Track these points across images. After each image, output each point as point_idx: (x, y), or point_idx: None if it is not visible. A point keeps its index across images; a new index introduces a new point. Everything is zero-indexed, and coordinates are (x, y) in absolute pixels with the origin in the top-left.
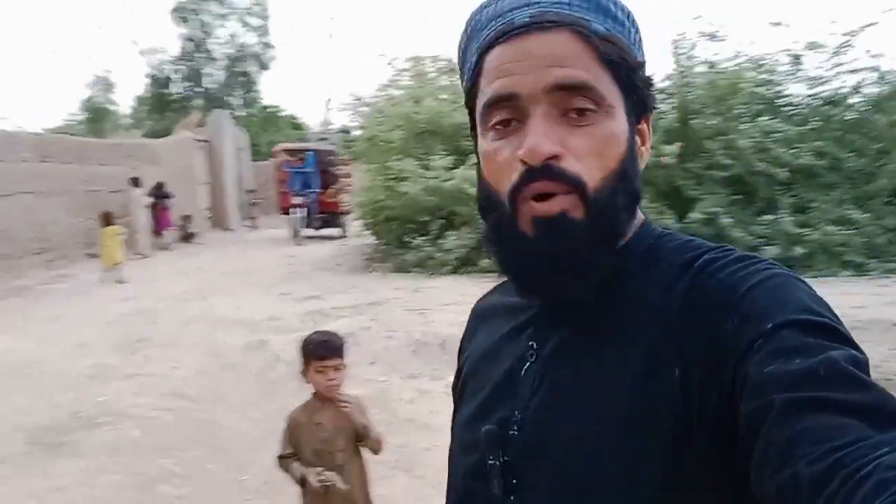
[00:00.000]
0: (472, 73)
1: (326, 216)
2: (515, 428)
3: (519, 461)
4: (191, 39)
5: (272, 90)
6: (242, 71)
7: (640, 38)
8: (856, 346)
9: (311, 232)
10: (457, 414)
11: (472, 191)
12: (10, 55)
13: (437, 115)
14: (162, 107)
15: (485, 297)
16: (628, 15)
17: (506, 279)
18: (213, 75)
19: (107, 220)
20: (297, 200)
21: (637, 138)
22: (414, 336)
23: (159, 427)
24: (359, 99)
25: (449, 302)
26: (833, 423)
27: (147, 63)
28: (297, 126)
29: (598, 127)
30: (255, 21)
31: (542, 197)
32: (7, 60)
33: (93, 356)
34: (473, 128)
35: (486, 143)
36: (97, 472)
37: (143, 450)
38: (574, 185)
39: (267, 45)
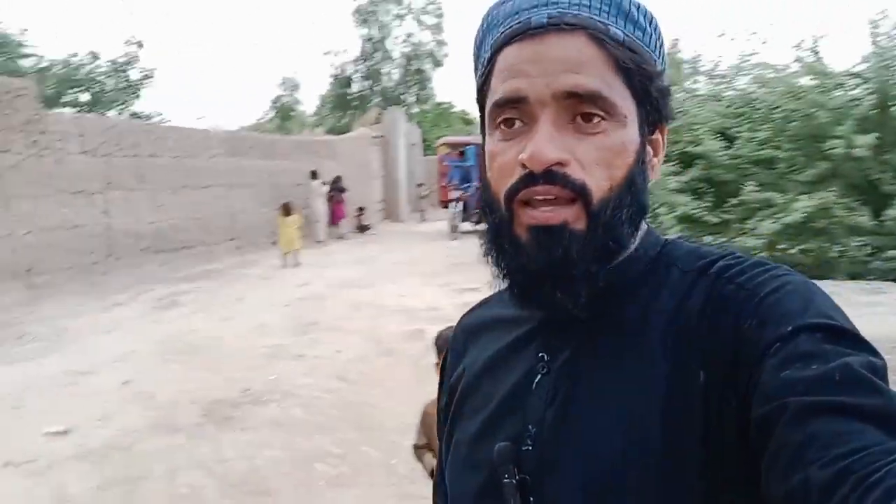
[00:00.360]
0: (484, 70)
1: None
2: (529, 443)
3: (536, 478)
4: (370, 40)
5: (445, 87)
6: (417, 69)
7: (661, 45)
8: (874, 352)
9: (468, 227)
10: (452, 434)
11: None
12: (207, 59)
13: None
14: (343, 105)
15: (471, 311)
16: (651, 20)
17: (495, 293)
18: (391, 74)
19: (286, 210)
20: (454, 194)
21: (649, 148)
22: None
23: (320, 407)
24: None
25: None
26: (846, 428)
27: (330, 64)
28: (467, 121)
29: (608, 136)
30: (429, 20)
31: (542, 203)
32: (204, 63)
33: (268, 337)
34: (482, 126)
35: (491, 143)
36: (259, 447)
37: (303, 428)
38: (578, 192)
39: (441, 43)
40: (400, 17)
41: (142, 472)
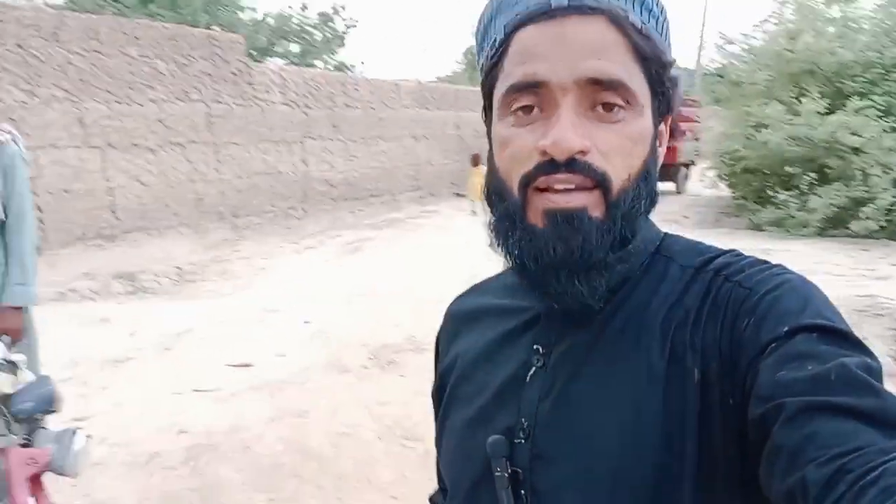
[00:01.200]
0: (496, 50)
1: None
2: (522, 437)
3: (528, 471)
4: None
5: None
6: None
7: (669, 35)
8: (869, 353)
9: None
10: (445, 420)
11: (850, 140)
12: (408, 9)
13: (816, 52)
14: None
15: (462, 297)
16: (662, 9)
17: (483, 280)
18: None
19: (475, 160)
20: None
21: (658, 138)
22: None
23: None
24: (724, 37)
25: (803, 268)
26: (842, 428)
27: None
28: None
29: (628, 125)
30: None
31: (560, 189)
32: (406, 14)
33: (438, 285)
34: (486, 108)
35: (503, 127)
36: (414, 392)
37: None
38: (599, 181)
39: None
40: None
41: (309, 408)
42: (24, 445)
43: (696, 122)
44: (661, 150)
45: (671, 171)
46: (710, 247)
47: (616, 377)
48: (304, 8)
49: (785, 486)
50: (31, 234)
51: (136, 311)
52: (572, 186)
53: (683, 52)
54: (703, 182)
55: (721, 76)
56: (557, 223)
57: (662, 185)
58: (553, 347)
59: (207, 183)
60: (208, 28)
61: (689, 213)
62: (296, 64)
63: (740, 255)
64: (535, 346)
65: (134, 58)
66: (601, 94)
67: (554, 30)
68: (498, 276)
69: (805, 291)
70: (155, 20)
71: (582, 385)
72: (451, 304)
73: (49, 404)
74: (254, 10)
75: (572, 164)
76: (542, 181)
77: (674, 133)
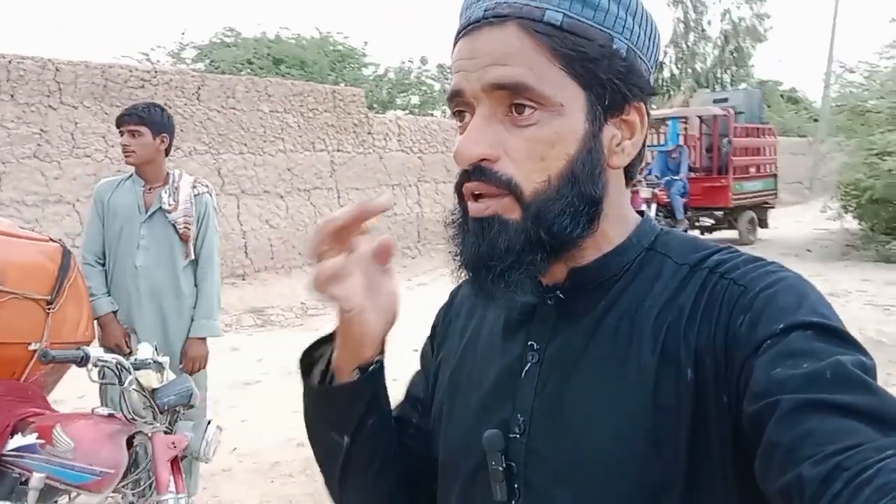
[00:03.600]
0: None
1: (711, 211)
2: (517, 432)
3: (523, 466)
4: (683, 21)
5: (767, 64)
6: (735, 47)
7: (628, 20)
8: (864, 351)
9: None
10: (442, 407)
11: None
12: None
13: None
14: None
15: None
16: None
17: None
18: (705, 54)
19: None
20: (644, 194)
21: (617, 131)
22: (867, 334)
23: None
24: (843, 66)
25: None
26: (838, 425)
27: None
28: (793, 100)
29: (542, 127)
30: None
31: (479, 196)
32: None
33: None
34: None
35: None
36: None
37: None
38: (505, 188)
39: (762, 17)
40: None
41: None
42: (166, 433)
43: (768, 156)
44: (633, 142)
45: (739, 213)
46: (705, 243)
47: (609, 375)
48: (424, 62)
49: (780, 483)
50: (218, 275)
51: (263, 341)
52: (484, 192)
53: (811, 85)
54: (827, 214)
55: (841, 105)
56: (476, 229)
57: (725, 234)
58: (548, 343)
59: None
60: (335, 84)
61: (812, 247)
62: (415, 114)
63: (735, 251)
64: (529, 342)
65: (266, 113)
66: (511, 98)
67: (470, 42)
68: None
69: (800, 289)
70: (285, 79)
71: (576, 383)
72: (457, 287)
73: (187, 399)
74: (377, 65)
75: (479, 172)
76: (465, 188)
77: (720, 171)
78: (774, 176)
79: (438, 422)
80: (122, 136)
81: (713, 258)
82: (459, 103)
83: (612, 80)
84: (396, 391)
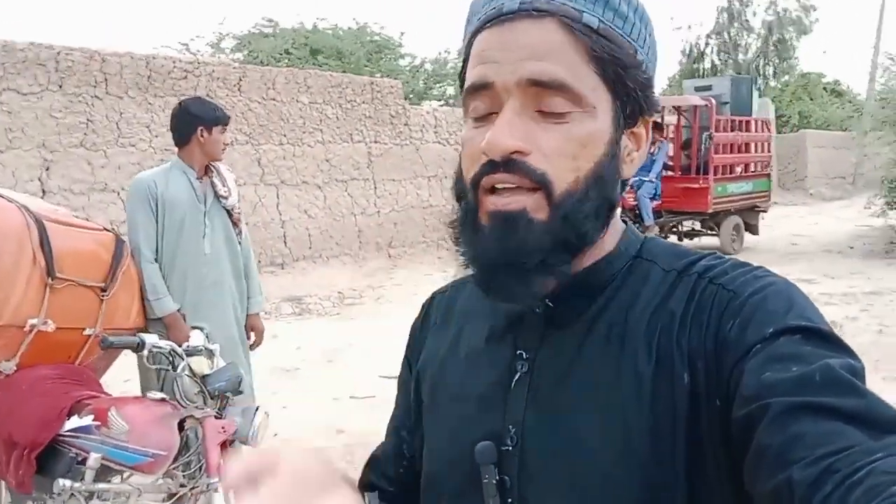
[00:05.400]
0: (464, 57)
1: (689, 216)
2: (509, 444)
3: (516, 478)
4: (727, 11)
5: (812, 56)
6: (779, 38)
7: (647, 35)
8: (852, 354)
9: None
10: (425, 419)
11: None
12: None
13: None
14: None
15: (444, 291)
16: (636, 9)
17: (464, 276)
18: (748, 45)
19: None
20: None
21: (629, 142)
22: None
23: None
24: (891, 57)
25: None
26: (828, 428)
27: (681, 39)
28: (837, 93)
29: (574, 126)
30: None
31: (504, 190)
32: None
33: None
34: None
35: (466, 129)
36: None
37: None
38: (539, 182)
39: (808, 8)
40: None
41: None
42: (216, 417)
43: (760, 153)
44: (638, 155)
45: (718, 219)
46: (689, 250)
47: (603, 383)
48: (461, 53)
49: (770, 486)
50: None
51: (302, 329)
52: (512, 186)
53: (856, 78)
54: (870, 210)
55: (886, 98)
56: (497, 224)
57: (707, 241)
58: (537, 352)
59: (367, 216)
60: (371, 76)
61: (857, 244)
62: (450, 105)
63: (721, 257)
64: (518, 351)
65: (305, 104)
66: (544, 95)
67: (503, 33)
68: None
69: (788, 294)
70: (323, 70)
71: (568, 391)
72: (431, 297)
73: (237, 385)
74: (413, 56)
75: (510, 165)
76: (485, 181)
77: (700, 170)
78: (768, 176)
79: (422, 437)
80: (222, 133)
81: (701, 263)
82: (483, 96)
83: (635, 91)
84: None
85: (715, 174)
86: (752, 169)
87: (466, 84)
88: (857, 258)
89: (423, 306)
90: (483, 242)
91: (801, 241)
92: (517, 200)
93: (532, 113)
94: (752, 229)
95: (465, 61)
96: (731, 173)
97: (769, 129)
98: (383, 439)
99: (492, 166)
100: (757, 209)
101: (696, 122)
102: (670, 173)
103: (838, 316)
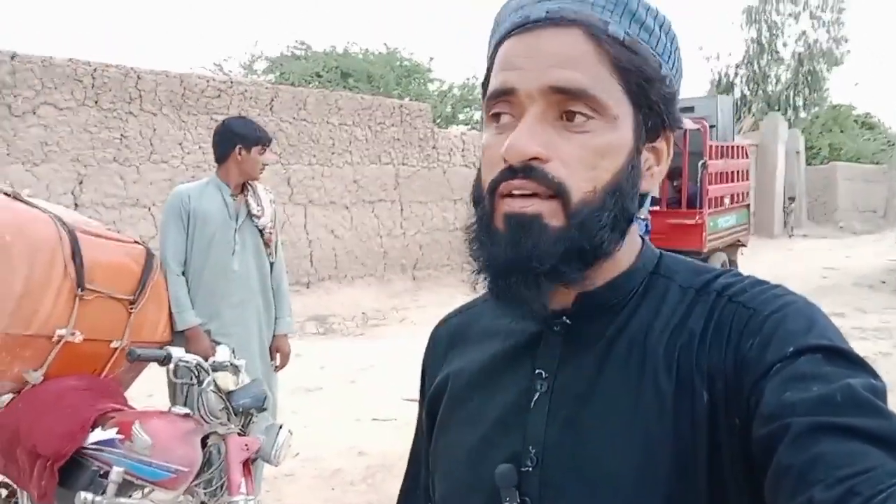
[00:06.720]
0: (489, 65)
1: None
2: (529, 465)
3: (538, 500)
4: (757, 41)
5: (842, 88)
6: (809, 69)
7: (672, 50)
8: (874, 374)
9: None
10: (439, 445)
11: None
12: None
13: None
14: None
15: (451, 317)
16: (662, 24)
17: (471, 300)
18: (778, 76)
19: None
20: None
21: (649, 155)
22: None
23: None
24: None
25: None
26: (849, 449)
27: (710, 69)
28: (869, 125)
29: (595, 136)
30: (827, 16)
31: (519, 196)
32: None
33: None
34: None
35: (486, 135)
36: None
37: None
38: (556, 191)
39: (839, 40)
40: (794, 16)
41: None
42: (240, 434)
43: (742, 181)
44: (659, 170)
45: (699, 260)
46: (707, 266)
47: (624, 403)
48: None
49: None
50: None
51: (325, 348)
52: (529, 192)
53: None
54: None
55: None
56: (512, 227)
57: None
58: (557, 371)
59: (392, 238)
60: (400, 99)
61: (887, 278)
62: (477, 129)
63: (739, 275)
64: (537, 371)
65: (335, 125)
66: (567, 103)
67: (529, 40)
68: (487, 295)
69: (809, 313)
70: (354, 93)
71: (590, 411)
72: (438, 327)
73: (261, 402)
74: (442, 81)
75: (528, 171)
76: (503, 187)
77: (691, 204)
78: (748, 206)
79: (435, 464)
80: (261, 153)
81: (719, 281)
82: (505, 102)
83: (658, 104)
84: None
85: (709, 207)
86: (737, 200)
87: (489, 89)
88: (889, 293)
89: (430, 336)
90: (496, 245)
91: (831, 274)
92: (535, 205)
93: (553, 121)
94: (733, 265)
95: (490, 69)
96: (720, 205)
97: (748, 155)
98: (406, 464)
99: (510, 172)
100: (738, 244)
101: (686, 149)
102: (656, 207)
103: (871, 351)
